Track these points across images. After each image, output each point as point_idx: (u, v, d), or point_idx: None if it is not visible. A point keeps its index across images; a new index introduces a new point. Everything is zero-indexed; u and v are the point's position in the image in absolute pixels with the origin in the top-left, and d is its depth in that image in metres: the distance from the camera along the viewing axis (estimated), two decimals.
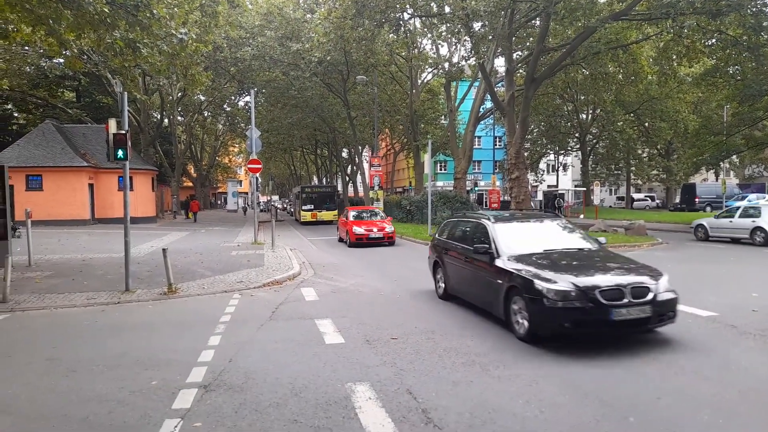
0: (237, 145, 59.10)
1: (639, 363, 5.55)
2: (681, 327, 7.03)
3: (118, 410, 4.57)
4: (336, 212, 33.32)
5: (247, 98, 33.12)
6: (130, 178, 28.17)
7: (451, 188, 34.75)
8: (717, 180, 44.48)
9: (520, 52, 29.32)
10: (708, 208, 41.01)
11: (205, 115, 48.31)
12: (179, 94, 37.87)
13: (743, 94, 24.69)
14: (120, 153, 9.75)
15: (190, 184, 59.34)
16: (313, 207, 34.71)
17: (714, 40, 22.33)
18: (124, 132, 9.77)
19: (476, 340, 6.48)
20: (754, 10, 19.11)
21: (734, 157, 37.56)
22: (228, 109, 44.53)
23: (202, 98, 42.59)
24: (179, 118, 45.51)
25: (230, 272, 12.09)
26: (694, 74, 31.29)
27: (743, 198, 42.64)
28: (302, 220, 34.88)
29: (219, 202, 76.71)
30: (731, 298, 8.65)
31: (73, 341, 6.90)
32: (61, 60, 28.36)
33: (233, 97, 41.91)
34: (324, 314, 8.03)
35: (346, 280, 11.47)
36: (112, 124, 9.83)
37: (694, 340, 6.39)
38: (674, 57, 23.94)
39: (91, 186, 29.93)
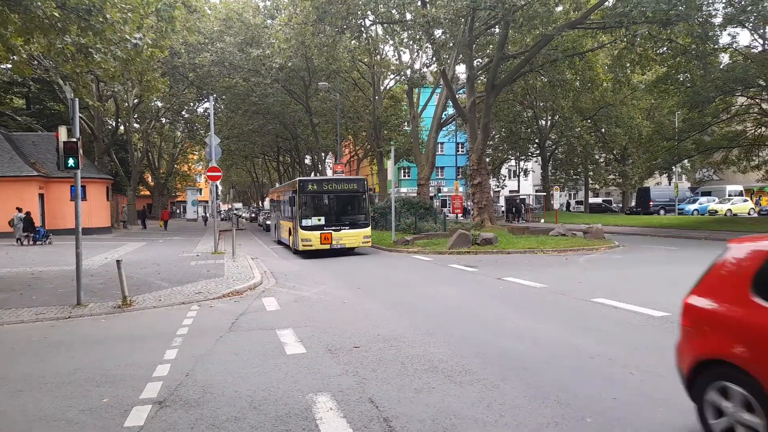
0: (196, 153, 57.94)
1: (596, 364, 5.65)
2: (636, 328, 7.21)
3: (66, 431, 4.36)
4: (369, 230, 18.86)
5: (207, 105, 32.55)
6: (83, 187, 27.27)
7: (415, 194, 34.95)
8: (670, 184, 46.14)
9: (480, 60, 29.83)
10: (662, 211, 42.51)
11: (163, 122, 47.24)
12: (135, 100, 36.93)
13: (693, 100, 25.74)
14: (71, 161, 9.41)
15: (148, 193, 57.82)
16: (325, 221, 18.18)
17: (665, 49, 23.23)
18: (75, 140, 9.42)
19: (439, 347, 6.48)
20: (701, 20, 19.98)
21: (685, 161, 39.05)
22: (186, 115, 43.67)
23: (160, 105, 41.66)
24: (135, 125, 44.32)
25: (189, 283, 11.78)
26: (646, 81, 32.48)
27: (694, 201, 44.52)
28: (302, 247, 17.99)
29: (178, 211, 74.98)
30: (683, 299, 8.91)
31: (20, 359, 6.57)
32: (9, 66, 27.25)
33: (192, 104, 41.15)
34: (285, 324, 7.90)
35: (309, 289, 11.34)
36: (63, 131, 9.48)
37: (648, 340, 6.56)
38: (628, 64, 24.81)
39: (41, 196, 28.79)
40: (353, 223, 18.42)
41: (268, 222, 36.01)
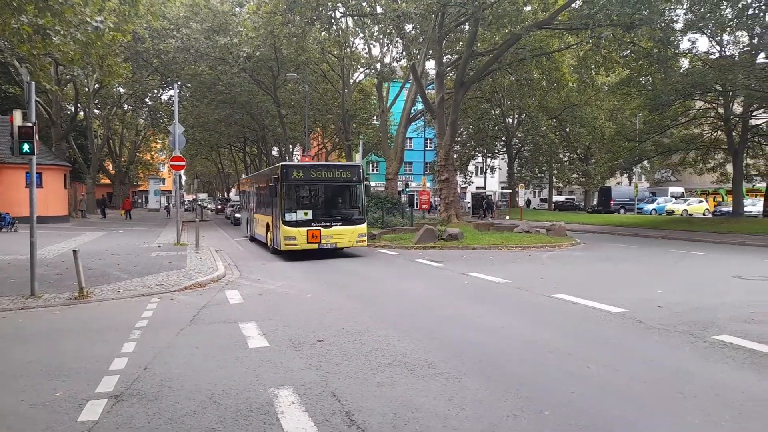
0: (160, 141, 56.53)
1: (555, 358, 5.78)
2: (594, 323, 7.41)
3: (16, 426, 4.21)
4: (364, 228, 16.18)
5: (171, 92, 31.75)
6: (39, 174, 26.24)
7: (383, 189, 34.98)
8: (630, 184, 47.49)
9: (450, 56, 29.97)
10: (622, 210, 43.75)
11: (125, 108, 45.87)
12: (96, 85, 35.72)
13: (653, 103, 26.52)
14: (26, 147, 9.06)
15: (108, 181, 56.16)
16: (312, 216, 15.38)
17: (628, 52, 23.82)
18: (30, 125, 9.06)
19: (403, 341, 6.51)
20: (662, 25, 20.57)
21: (645, 162, 40.23)
22: (150, 103, 42.50)
23: (122, 91, 40.43)
24: (96, 111, 42.90)
25: (149, 275, 11.50)
26: (610, 83, 33.26)
27: (653, 201, 45.99)
28: (284, 246, 15.12)
29: (140, 200, 73.08)
30: (640, 295, 9.22)
31: None
32: None
33: (156, 91, 40.08)
34: (249, 317, 7.80)
35: (274, 282, 11.23)
36: (17, 115, 9.11)
37: (605, 335, 6.74)
38: (592, 66, 25.34)
39: None
40: (346, 218, 15.56)
41: (237, 215, 32.81)
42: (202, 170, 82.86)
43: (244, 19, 27.09)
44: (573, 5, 21.94)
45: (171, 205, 48.24)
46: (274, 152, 49.60)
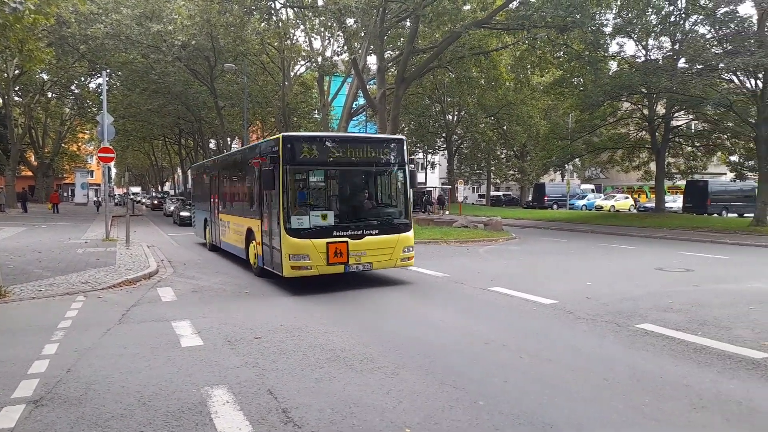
0: (87, 132, 53.59)
1: (490, 350, 5.93)
2: (526, 314, 7.66)
3: None
4: (411, 236, 10.36)
5: (99, 80, 30.13)
6: None
7: None
8: (563, 181, 49.47)
9: (391, 52, 30.10)
10: (555, 206, 45.53)
11: (49, 96, 43.11)
12: (16, 71, 33.39)
13: (584, 103, 27.67)
14: None
15: (30, 173, 52.70)
16: (335, 220, 9.65)
17: (562, 53, 24.77)
18: None
19: (342, 336, 6.49)
20: (593, 28, 21.50)
21: (577, 160, 42.01)
22: (77, 91, 40.15)
23: (45, 77, 37.98)
24: (16, 98, 40.11)
25: (74, 272, 10.88)
26: (544, 83, 34.44)
27: (583, 197, 48.16)
28: (291, 271, 9.19)
29: (66, 194, 69.07)
30: (570, 287, 9.62)
31: None
32: None
33: (83, 78, 37.87)
34: (182, 315, 7.53)
35: (210, 278, 10.91)
36: None
37: (537, 326, 6.99)
38: (528, 66, 26.15)
39: None
40: (386, 223, 10.03)
41: (183, 213, 27.15)
42: (134, 163, 79.29)
43: (178, 6, 26.06)
44: (510, 6, 22.55)
45: (100, 198, 45.88)
46: (212, 145, 48.15)
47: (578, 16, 20.02)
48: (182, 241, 19.40)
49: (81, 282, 9.84)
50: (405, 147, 10.40)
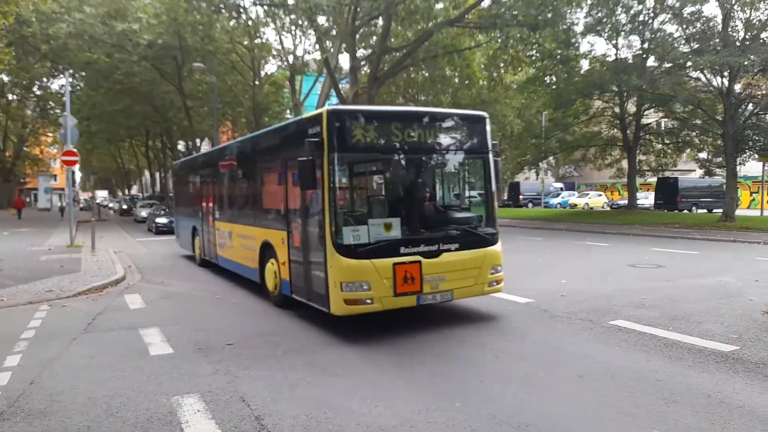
0: (51, 135, 52.06)
1: (467, 350, 5.91)
2: (504, 314, 7.67)
3: None
4: (499, 251, 7.48)
5: (62, 81, 29.27)
6: None
7: None
8: (537, 179, 50.03)
9: (364, 50, 29.98)
10: (530, 204, 46.03)
11: (9, 98, 41.71)
12: None
13: (557, 101, 27.99)
14: None
15: None
16: (402, 231, 6.61)
17: (534, 52, 25.00)
18: None
19: (319, 341, 6.38)
20: (565, 27, 21.78)
21: (551, 158, 42.52)
22: (39, 92, 38.94)
23: (5, 79, 36.71)
24: None
25: (38, 280, 10.48)
26: (518, 81, 34.72)
27: (557, 195, 48.83)
28: (341, 306, 6.26)
29: (28, 199, 67.01)
30: (545, 285, 9.68)
31: None
32: None
33: (45, 79, 36.76)
34: (151, 323, 7.31)
35: (180, 284, 10.65)
36: None
37: (513, 326, 7.00)
38: (501, 64, 26.34)
39: None
40: (469, 234, 7.27)
41: (161, 220, 23.85)
42: (99, 166, 77.29)
43: (144, 5, 25.47)
44: (482, 4, 22.68)
45: (64, 203, 44.61)
46: (180, 146, 47.28)
47: (549, 15, 20.25)
48: (153, 246, 18.95)
49: (45, 290, 9.49)
50: (489, 128, 7.54)
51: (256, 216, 9.15)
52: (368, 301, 6.19)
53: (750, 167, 31.17)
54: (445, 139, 7.14)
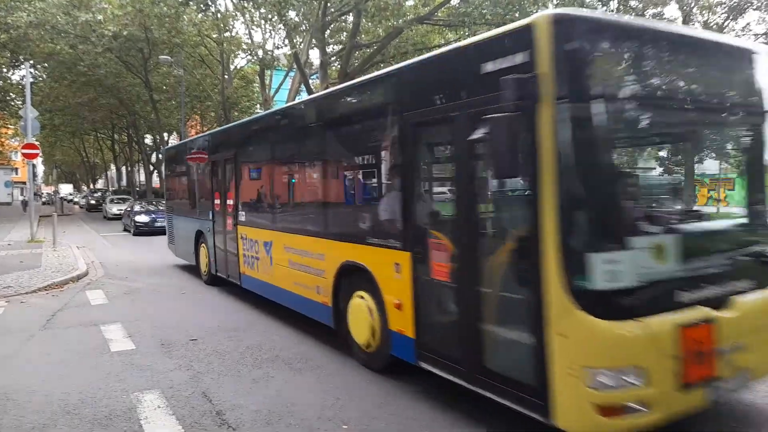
0: (11, 127, 50.37)
1: None
2: None
3: None
4: None
5: (23, 71, 28.34)
6: None
7: None
8: None
9: (334, 46, 29.87)
10: None
11: None
12: None
13: None
14: None
15: None
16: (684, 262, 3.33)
17: None
18: None
19: (283, 335, 6.39)
20: None
21: None
22: None
23: None
24: None
25: None
26: None
27: None
28: (587, 414, 3.02)
29: None
30: None
31: None
32: None
33: (5, 70, 35.47)
34: (113, 319, 7.18)
35: (144, 279, 10.49)
36: None
37: None
38: None
39: None
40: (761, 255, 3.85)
41: (141, 219, 20.67)
42: (62, 159, 75.08)
43: None
44: (452, 2, 22.85)
45: (26, 197, 43.23)
46: (147, 140, 46.34)
47: (517, 15, 20.51)
48: (116, 240, 18.55)
49: (3, 286, 9.23)
50: None
51: (330, 221, 5.89)
52: (644, 406, 3.08)
53: (708, 165, 32.10)
54: (722, 85, 3.95)
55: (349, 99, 5.95)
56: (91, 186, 72.88)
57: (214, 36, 30.00)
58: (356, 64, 25.96)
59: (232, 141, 8.95)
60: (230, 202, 8.62)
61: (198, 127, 45.53)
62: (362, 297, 5.07)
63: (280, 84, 33.97)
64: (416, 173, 4.51)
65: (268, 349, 5.81)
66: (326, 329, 5.83)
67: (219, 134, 10.28)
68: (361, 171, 5.71)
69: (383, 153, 5.03)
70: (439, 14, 23.65)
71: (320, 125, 6.19)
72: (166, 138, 39.76)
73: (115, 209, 28.74)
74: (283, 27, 22.53)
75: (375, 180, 5.38)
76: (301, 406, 4.29)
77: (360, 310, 5.07)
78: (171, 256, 12.43)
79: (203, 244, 9.92)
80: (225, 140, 9.47)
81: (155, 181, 45.44)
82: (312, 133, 6.33)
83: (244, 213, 8.18)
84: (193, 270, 10.88)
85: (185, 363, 5.36)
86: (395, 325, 4.61)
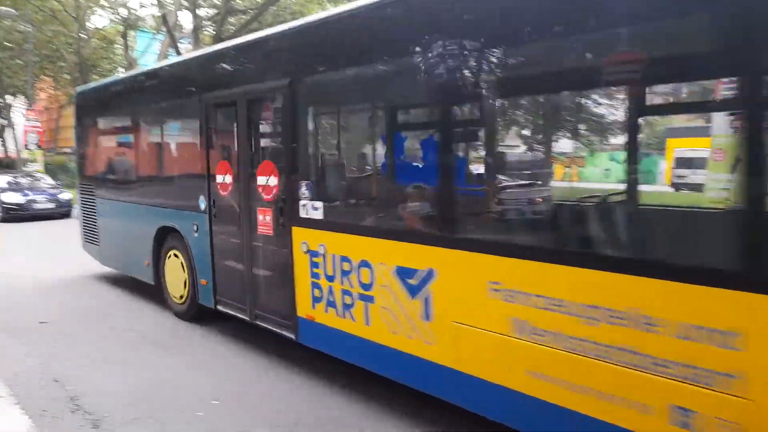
0: None
1: None
2: None
3: None
4: None
5: None
6: None
7: None
8: None
9: (208, 10, 28.24)
10: None
11: None
12: None
13: None
14: None
15: None
16: None
17: None
18: None
19: (151, 313, 6.08)
20: None
21: None
22: None
23: None
24: None
25: None
26: None
27: None
28: None
29: None
30: None
31: None
32: None
33: None
34: None
35: (41, 309, 9.31)
36: None
37: None
38: None
39: None
40: None
41: (11, 199, 15.53)
42: None
43: None
44: None
45: None
46: None
47: None
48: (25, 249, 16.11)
49: None
50: None
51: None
52: None
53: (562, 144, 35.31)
54: None
55: None
56: None
57: None
58: (232, 30, 24.85)
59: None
60: (267, 180, 4.57)
61: (50, 90, 40.96)
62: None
63: (147, 47, 31.57)
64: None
65: (136, 330, 5.49)
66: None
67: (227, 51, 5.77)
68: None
69: None
70: None
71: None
72: (9, 101, 35.23)
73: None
74: None
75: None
76: (169, 386, 4.14)
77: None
78: (86, 259, 8.18)
79: (175, 253, 5.95)
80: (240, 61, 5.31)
81: None
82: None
83: (314, 204, 4.09)
84: (140, 288, 6.96)
85: (34, 349, 4.92)
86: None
